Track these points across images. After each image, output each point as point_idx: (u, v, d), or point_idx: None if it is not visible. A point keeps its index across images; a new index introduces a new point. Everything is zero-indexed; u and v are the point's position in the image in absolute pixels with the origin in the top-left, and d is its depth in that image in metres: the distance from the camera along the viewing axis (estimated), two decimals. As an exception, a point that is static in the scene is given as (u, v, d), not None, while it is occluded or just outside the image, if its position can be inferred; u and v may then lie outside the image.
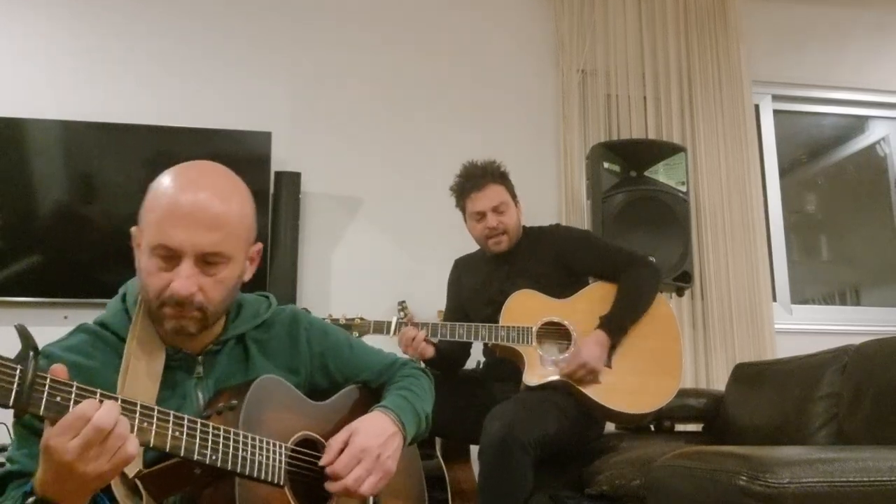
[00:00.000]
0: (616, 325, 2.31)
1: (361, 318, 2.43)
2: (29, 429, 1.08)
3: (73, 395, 0.92)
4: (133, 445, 0.94)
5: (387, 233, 3.42)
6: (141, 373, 1.15)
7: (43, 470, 0.94)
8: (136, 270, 1.18)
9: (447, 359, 2.49)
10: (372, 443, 1.24)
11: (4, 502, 1.05)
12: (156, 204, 1.12)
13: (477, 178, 2.47)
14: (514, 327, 2.32)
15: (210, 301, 1.14)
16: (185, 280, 1.10)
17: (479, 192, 2.46)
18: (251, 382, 1.18)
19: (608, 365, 2.30)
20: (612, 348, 2.31)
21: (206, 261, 1.12)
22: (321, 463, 1.22)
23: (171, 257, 1.11)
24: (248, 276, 1.23)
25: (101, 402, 0.93)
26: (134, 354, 1.15)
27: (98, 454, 0.91)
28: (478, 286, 2.55)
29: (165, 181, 1.14)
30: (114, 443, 0.92)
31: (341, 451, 1.22)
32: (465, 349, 2.59)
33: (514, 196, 2.53)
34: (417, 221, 3.42)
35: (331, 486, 1.21)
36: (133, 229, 1.18)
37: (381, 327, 2.41)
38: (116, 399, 0.96)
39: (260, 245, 1.25)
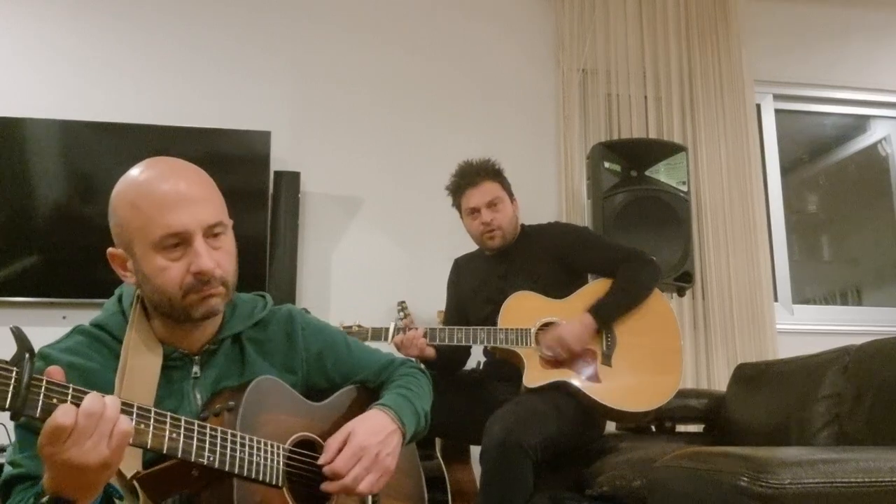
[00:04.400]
0: (604, 311, 2.31)
1: (359, 326, 2.43)
2: (29, 430, 1.07)
3: (69, 397, 0.91)
4: (127, 423, 0.94)
5: (387, 233, 3.42)
6: (138, 373, 1.14)
7: (49, 473, 0.94)
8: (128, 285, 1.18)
9: (447, 360, 2.49)
10: (371, 441, 1.24)
11: None
12: (138, 209, 1.11)
13: (472, 176, 2.49)
14: (512, 329, 2.32)
15: (227, 272, 1.16)
16: (205, 256, 1.11)
17: (473, 189, 2.48)
18: (249, 383, 1.18)
19: (608, 364, 2.29)
20: (612, 345, 2.31)
21: (213, 234, 1.14)
22: (320, 462, 1.22)
23: (178, 244, 1.11)
24: None
25: (77, 404, 0.92)
26: (131, 355, 1.15)
27: (95, 443, 0.90)
28: (477, 285, 2.55)
29: (133, 186, 1.13)
30: (105, 427, 0.91)
31: (340, 450, 1.22)
32: (465, 350, 2.59)
33: (509, 193, 2.53)
34: (417, 221, 3.42)
35: (329, 486, 1.20)
36: (111, 251, 1.17)
37: (378, 334, 2.40)
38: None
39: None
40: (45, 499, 0.94)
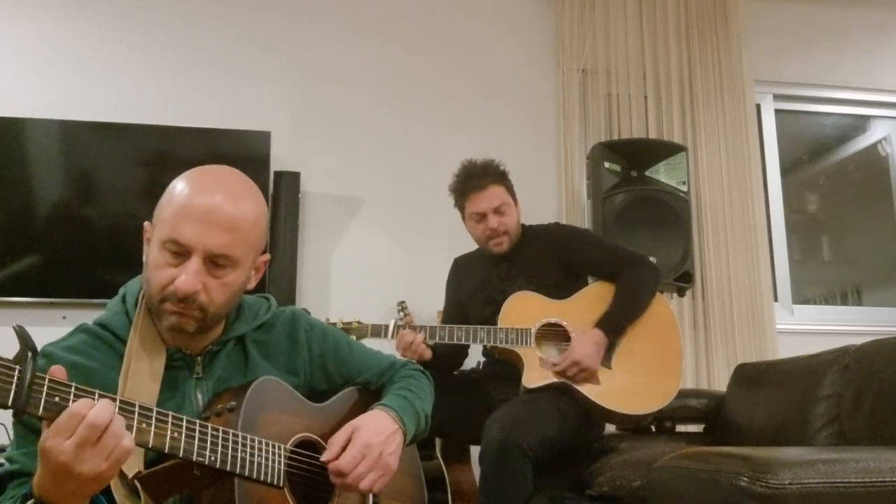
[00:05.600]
0: (614, 325, 2.30)
1: (359, 322, 2.42)
2: (28, 428, 1.07)
3: (71, 396, 0.92)
4: (129, 442, 0.94)
5: (387, 233, 3.42)
6: (142, 373, 1.15)
7: (41, 472, 0.94)
8: (142, 266, 1.19)
9: (444, 360, 2.48)
10: (374, 439, 1.24)
11: (4, 502, 1.05)
12: (171, 201, 1.14)
13: (477, 178, 2.45)
14: (513, 329, 2.32)
15: (212, 302, 1.14)
16: (191, 277, 1.10)
17: (479, 193, 2.44)
18: (251, 384, 1.18)
19: (608, 366, 2.29)
20: (612, 347, 2.31)
21: (215, 262, 1.13)
22: (323, 459, 1.22)
23: (180, 253, 1.11)
24: (251, 285, 1.23)
25: (95, 400, 0.93)
26: (135, 355, 1.15)
27: (94, 454, 0.91)
28: (477, 286, 2.54)
29: (184, 181, 1.16)
30: (109, 441, 0.91)
31: (343, 447, 1.22)
32: (462, 350, 2.59)
33: (513, 196, 2.52)
34: (417, 221, 3.41)
35: (333, 482, 1.21)
36: (146, 224, 1.19)
37: (378, 331, 2.40)
38: (115, 399, 0.96)
39: (268, 256, 1.26)
40: (30, 502, 0.95)
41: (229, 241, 1.13)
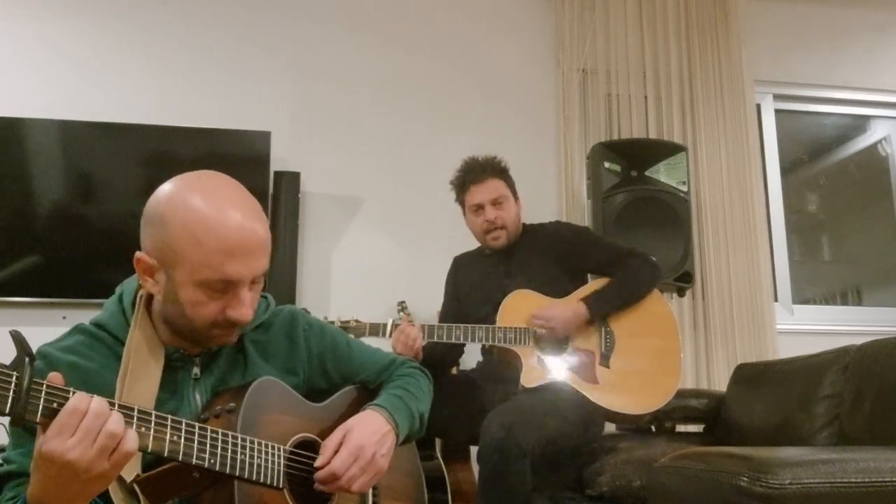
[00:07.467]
0: (598, 302, 2.31)
1: (357, 321, 2.41)
2: (25, 428, 1.06)
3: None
4: (132, 442, 0.94)
5: (387, 233, 3.42)
6: (141, 374, 1.14)
7: (38, 479, 0.93)
8: (141, 284, 1.17)
9: (433, 361, 2.46)
10: (368, 441, 1.24)
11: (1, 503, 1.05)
12: (199, 245, 1.07)
13: (477, 172, 2.48)
14: (511, 328, 2.31)
15: (253, 314, 1.17)
16: (249, 308, 1.13)
17: (478, 185, 2.47)
18: (249, 384, 1.18)
19: (606, 365, 2.29)
20: (611, 346, 2.30)
21: (256, 281, 1.15)
22: (317, 464, 1.22)
23: (225, 288, 1.11)
24: None
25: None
26: (133, 356, 1.14)
27: (99, 451, 0.90)
28: (476, 284, 2.54)
29: (198, 217, 1.07)
30: (112, 429, 0.91)
31: (336, 450, 1.22)
32: (453, 349, 2.57)
33: (514, 192, 2.53)
34: (417, 221, 3.41)
35: (323, 487, 1.21)
36: (142, 256, 1.12)
37: (376, 329, 2.39)
38: (113, 404, 0.95)
39: None
40: None
41: (267, 259, 1.16)
